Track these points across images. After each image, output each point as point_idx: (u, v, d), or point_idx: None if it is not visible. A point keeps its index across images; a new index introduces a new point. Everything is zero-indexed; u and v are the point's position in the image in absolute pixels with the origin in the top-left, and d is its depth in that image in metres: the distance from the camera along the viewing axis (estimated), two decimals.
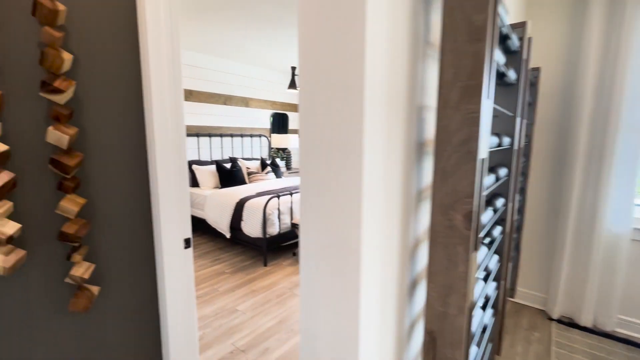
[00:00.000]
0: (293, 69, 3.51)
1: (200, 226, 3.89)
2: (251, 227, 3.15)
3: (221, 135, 4.75)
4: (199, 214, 3.89)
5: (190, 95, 4.36)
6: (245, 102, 5.11)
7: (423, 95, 0.85)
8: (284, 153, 5.66)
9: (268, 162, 5.00)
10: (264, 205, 3.07)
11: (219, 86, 4.71)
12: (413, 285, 0.93)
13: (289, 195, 3.39)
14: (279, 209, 3.19)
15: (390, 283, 0.80)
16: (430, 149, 0.92)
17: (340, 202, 0.68)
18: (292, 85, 3.53)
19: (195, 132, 4.47)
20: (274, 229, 3.14)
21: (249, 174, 4.35)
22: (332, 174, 0.69)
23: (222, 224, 3.42)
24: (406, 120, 0.77)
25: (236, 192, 3.51)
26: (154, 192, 1.25)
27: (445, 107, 0.73)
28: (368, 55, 0.60)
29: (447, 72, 0.72)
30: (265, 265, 3.14)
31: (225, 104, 4.82)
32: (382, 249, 0.74)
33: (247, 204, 3.25)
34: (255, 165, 4.73)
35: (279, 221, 3.21)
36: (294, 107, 6.02)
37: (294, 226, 3.32)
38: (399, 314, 0.87)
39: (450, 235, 0.75)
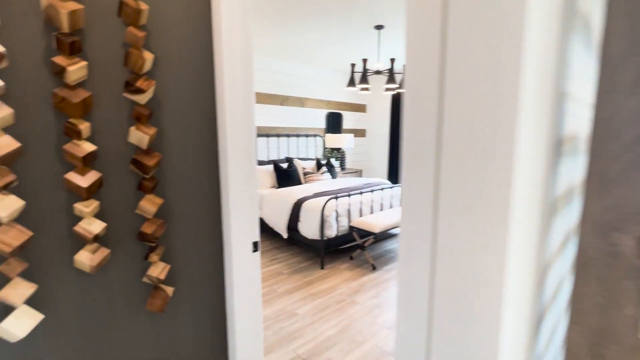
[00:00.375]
0: (352, 65, 3.38)
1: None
2: (308, 228, 3.10)
3: (277, 136, 4.80)
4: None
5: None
6: (301, 102, 5.12)
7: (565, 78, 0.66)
8: (338, 153, 5.57)
9: (323, 162, 4.95)
10: (322, 207, 3.00)
11: (276, 87, 4.77)
12: (538, 322, 0.74)
13: (347, 197, 3.28)
14: (336, 211, 3.09)
15: (522, 314, 0.63)
16: (567, 148, 0.72)
17: (477, 218, 0.53)
18: (351, 83, 3.40)
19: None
20: (331, 232, 3.05)
21: (305, 174, 4.33)
22: (465, 181, 0.54)
23: (279, 224, 3.43)
24: (550, 111, 0.60)
25: (293, 192, 3.50)
26: (224, 193, 1.22)
27: (610, 91, 0.54)
28: (526, 21, 0.44)
29: (616, 43, 0.53)
30: (322, 268, 3.06)
31: (282, 104, 4.87)
32: (520, 271, 0.58)
33: (305, 205, 3.20)
34: (310, 165, 4.71)
35: (337, 223, 3.11)
36: (348, 106, 5.90)
37: (352, 229, 3.20)
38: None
39: (612, 265, 0.56)
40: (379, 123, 6.11)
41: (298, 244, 3.40)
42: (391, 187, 3.65)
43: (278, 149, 4.86)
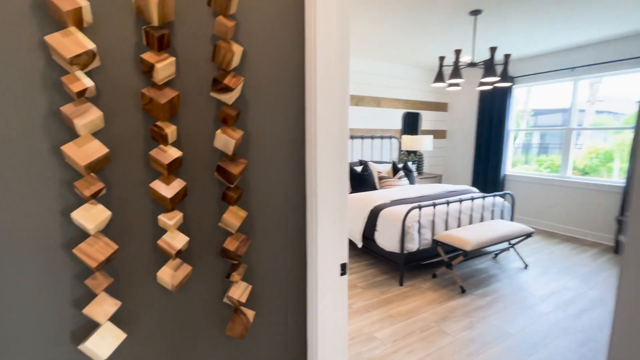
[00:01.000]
0: (441, 59, 2.99)
1: None
2: (386, 239, 2.82)
3: (352, 138, 4.61)
4: None
5: None
6: (376, 102, 4.85)
7: None
8: (415, 156, 5.14)
9: (399, 165, 4.60)
10: (403, 217, 2.70)
11: (351, 87, 4.59)
12: None
13: (432, 207, 2.91)
14: (419, 222, 2.76)
15: None
16: None
17: None
18: (439, 78, 3.02)
19: None
20: (413, 245, 2.73)
21: (380, 178, 4.05)
22: None
23: (354, 232, 3.22)
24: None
25: (369, 198, 3.26)
26: (310, 208, 1.05)
27: None
28: None
29: None
30: (401, 284, 2.76)
31: (357, 105, 4.67)
32: None
33: (383, 213, 2.93)
34: (386, 169, 4.41)
35: (419, 236, 2.78)
36: (427, 105, 5.42)
37: (436, 243, 2.82)
38: None
39: None
40: (462, 123, 5.49)
41: (372, 254, 3.15)
42: (483, 197, 3.15)
43: (352, 152, 4.67)
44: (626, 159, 3.76)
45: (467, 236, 2.62)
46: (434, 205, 2.81)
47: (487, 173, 5.01)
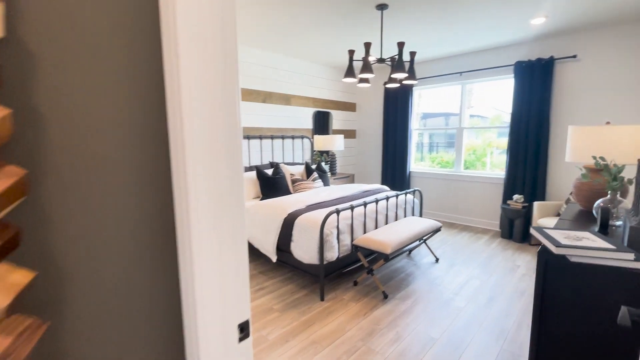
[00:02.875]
0: (351, 52, 2.83)
1: None
2: (304, 250, 2.50)
3: (260, 137, 4.18)
4: None
5: None
6: (286, 99, 4.53)
7: None
8: (328, 156, 5.01)
9: (313, 166, 4.38)
10: (321, 224, 2.42)
11: (258, 82, 4.15)
12: None
13: (350, 210, 2.72)
14: (338, 228, 2.52)
15: None
16: None
17: None
18: (350, 73, 2.85)
19: None
20: (332, 254, 2.47)
21: (294, 181, 3.74)
22: None
23: (266, 245, 2.81)
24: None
25: (282, 205, 2.89)
26: (183, 247, 0.62)
27: None
28: None
29: None
30: (322, 299, 2.47)
31: (264, 101, 4.26)
32: None
33: (299, 221, 2.61)
34: (299, 170, 4.12)
35: (338, 243, 2.54)
36: (337, 105, 5.36)
37: (356, 248, 2.64)
38: None
39: None
40: (370, 123, 5.62)
41: (289, 267, 2.80)
42: (396, 196, 3.12)
43: (261, 153, 4.23)
44: (495, 154, 4.31)
45: (386, 239, 2.49)
46: (352, 208, 2.61)
47: (395, 171, 5.21)
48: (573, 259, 1.36)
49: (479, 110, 4.56)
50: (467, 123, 4.60)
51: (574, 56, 3.53)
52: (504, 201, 4.09)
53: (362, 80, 3.10)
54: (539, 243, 3.72)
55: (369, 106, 5.59)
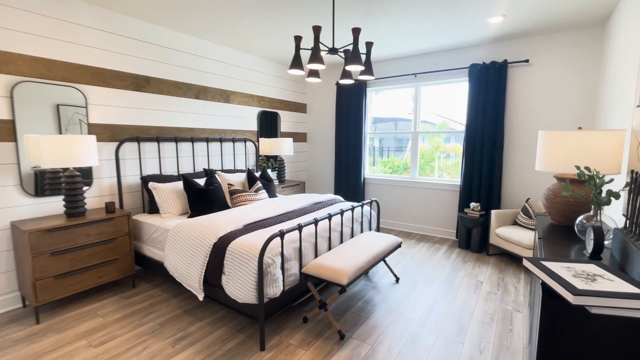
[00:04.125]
0: (297, 39, 2.35)
1: (161, 271, 2.62)
2: (238, 286, 1.94)
3: (192, 140, 3.50)
4: (158, 255, 2.62)
5: (147, 84, 3.10)
6: (225, 96, 3.90)
7: None
8: (275, 162, 4.46)
9: (257, 174, 3.80)
10: (259, 252, 1.88)
11: (189, 74, 3.48)
12: None
13: (298, 231, 2.21)
14: (282, 255, 2.00)
15: None
16: None
17: None
18: (296, 63, 2.36)
19: (155, 135, 3.21)
20: (275, 289, 1.94)
21: (232, 192, 3.13)
22: None
23: (190, 278, 2.18)
24: None
25: (212, 225, 2.29)
26: None
27: None
28: None
29: None
30: (262, 348, 1.92)
31: (197, 97, 3.59)
32: None
33: (232, 248, 2.03)
34: (239, 179, 3.51)
35: (284, 273, 2.02)
36: (285, 105, 4.85)
37: (306, 278, 2.14)
38: None
39: None
40: (322, 125, 5.19)
41: (219, 302, 2.20)
42: (352, 209, 2.69)
43: (194, 159, 3.55)
44: (440, 158, 4.15)
45: (342, 265, 2.03)
46: (300, 228, 2.11)
47: (349, 177, 4.83)
48: (594, 310, 1.02)
49: (427, 116, 4.39)
50: (420, 127, 4.39)
51: (527, 60, 3.45)
52: (461, 209, 3.92)
53: (311, 74, 2.63)
54: (497, 252, 3.58)
55: (321, 107, 5.16)
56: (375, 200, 3.09)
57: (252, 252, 1.93)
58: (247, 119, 4.22)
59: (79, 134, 2.61)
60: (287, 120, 4.91)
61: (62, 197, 2.58)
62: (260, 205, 2.90)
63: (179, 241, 2.31)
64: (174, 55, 3.32)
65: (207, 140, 3.66)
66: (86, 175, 2.74)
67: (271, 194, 3.54)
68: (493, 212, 3.45)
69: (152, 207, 2.96)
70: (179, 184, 2.99)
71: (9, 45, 2.28)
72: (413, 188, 4.41)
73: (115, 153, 2.88)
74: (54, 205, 2.58)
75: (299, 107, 5.15)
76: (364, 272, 2.19)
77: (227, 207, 3.03)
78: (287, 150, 4.27)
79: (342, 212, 2.57)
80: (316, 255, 2.32)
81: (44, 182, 2.50)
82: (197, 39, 3.53)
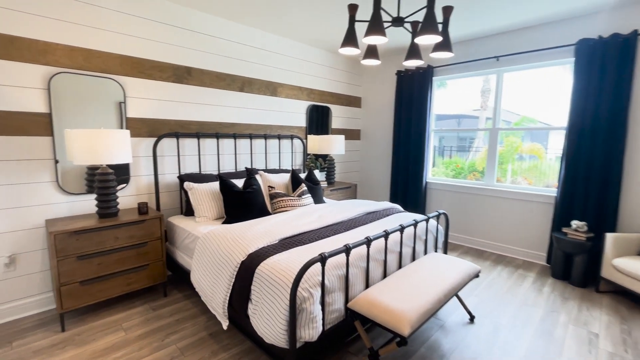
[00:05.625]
0: (352, 8, 1.85)
1: (189, 282, 2.34)
2: (266, 321, 1.52)
3: (235, 136, 3.22)
4: (189, 264, 2.35)
5: (188, 75, 2.87)
6: (272, 88, 3.56)
7: None
8: (324, 162, 4.03)
9: (302, 175, 3.39)
10: (292, 283, 1.43)
11: (233, 64, 3.19)
12: None
13: (345, 254, 1.72)
14: (323, 285, 1.53)
15: None
16: None
17: None
18: (349, 40, 1.86)
19: (195, 131, 2.98)
20: (312, 331, 1.48)
21: (273, 196, 2.76)
22: None
23: (213, 301, 1.83)
24: None
25: (243, 238, 1.91)
26: None
27: None
28: None
29: None
30: None
31: (242, 90, 3.30)
32: None
33: (261, 270, 1.62)
34: (282, 181, 3.13)
35: (324, 309, 1.55)
36: (338, 99, 4.38)
37: (353, 315, 1.64)
38: None
39: None
40: (379, 121, 4.62)
41: (245, 334, 1.81)
42: (414, 224, 2.12)
43: (235, 157, 3.27)
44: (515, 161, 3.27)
45: (402, 305, 1.50)
46: (348, 250, 1.62)
47: (408, 180, 4.20)
48: None
49: (506, 110, 3.56)
50: (499, 123, 3.58)
51: None
52: (557, 227, 3.06)
53: (368, 54, 2.11)
54: (613, 290, 2.68)
55: (377, 101, 4.59)
56: (444, 213, 2.46)
57: (284, 279, 1.50)
58: (294, 113, 3.85)
59: (115, 129, 2.44)
60: (339, 116, 4.44)
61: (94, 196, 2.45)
62: (303, 214, 2.47)
63: (205, 254, 1.98)
64: (218, 44, 3.05)
65: (251, 136, 3.35)
66: (124, 172, 2.59)
67: (317, 198, 3.09)
68: (608, 235, 2.57)
69: (188, 209, 2.72)
70: (217, 185, 2.71)
71: (48, 35, 2.16)
72: (489, 196, 3.62)
73: (153, 149, 2.69)
74: (91, 203, 2.45)
75: (353, 101, 4.64)
76: (432, 315, 1.63)
77: (267, 213, 2.66)
78: (338, 148, 3.80)
79: (402, 229, 2.02)
80: (367, 285, 1.81)
81: (84, 179, 2.38)
82: (243, 26, 3.23)
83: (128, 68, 2.53)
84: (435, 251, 2.54)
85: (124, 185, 2.60)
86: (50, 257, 2.06)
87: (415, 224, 2.13)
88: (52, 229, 1.98)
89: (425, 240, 2.36)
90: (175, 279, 2.82)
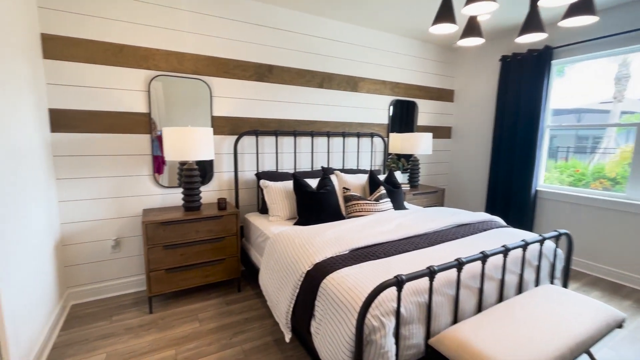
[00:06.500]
0: None
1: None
2: (328, 345, 1.33)
3: (312, 134, 3.12)
4: (259, 261, 2.33)
5: (269, 73, 2.88)
6: (352, 84, 3.35)
7: None
8: (407, 162, 3.65)
9: (381, 177, 3.11)
10: (361, 305, 1.20)
11: (313, 60, 3.09)
12: None
13: (426, 279, 1.40)
14: (397, 313, 1.25)
15: None
16: None
17: None
18: (444, 14, 1.52)
19: (274, 129, 2.97)
20: None
21: (347, 199, 2.55)
22: None
23: (277, 308, 1.72)
24: None
25: (311, 244, 1.76)
26: None
27: None
28: None
29: None
30: None
31: (321, 86, 3.18)
32: None
33: (326, 285, 1.44)
34: (359, 182, 2.90)
35: (397, 344, 1.27)
36: (426, 92, 3.92)
37: (434, 354, 1.32)
38: None
39: None
40: (475, 117, 3.99)
41: (308, 351, 1.65)
42: (523, 245, 1.65)
43: (312, 155, 3.17)
44: None
45: (506, 356, 1.12)
46: (432, 275, 1.30)
47: (511, 187, 3.50)
48: None
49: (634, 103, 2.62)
50: (621, 118, 2.65)
51: None
52: None
53: (468, 32, 1.72)
54: None
55: (475, 93, 3.96)
56: (567, 234, 1.88)
57: (351, 301, 1.28)
58: (376, 109, 3.57)
59: (201, 127, 2.57)
60: (426, 112, 3.98)
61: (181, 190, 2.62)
62: (379, 221, 2.20)
63: (272, 256, 1.90)
64: (299, 40, 2.99)
65: (329, 134, 3.21)
66: (208, 168, 2.72)
67: (397, 204, 2.77)
68: None
69: (264, 207, 2.72)
70: (291, 184, 2.64)
71: (148, 41, 2.38)
72: (631, 213, 2.74)
73: (234, 147, 2.77)
74: (180, 196, 2.64)
75: (444, 95, 4.11)
76: None
77: (340, 217, 2.47)
78: (425, 148, 3.38)
79: (506, 251, 1.58)
80: (456, 319, 1.45)
81: (176, 174, 2.58)
82: (324, 19, 3.09)
83: (214, 69, 2.64)
84: (551, 282, 1.97)
85: (209, 181, 2.73)
86: (143, 244, 2.26)
87: (525, 246, 1.66)
88: (144, 219, 2.16)
89: (538, 267, 1.84)
90: (248, 275, 2.86)
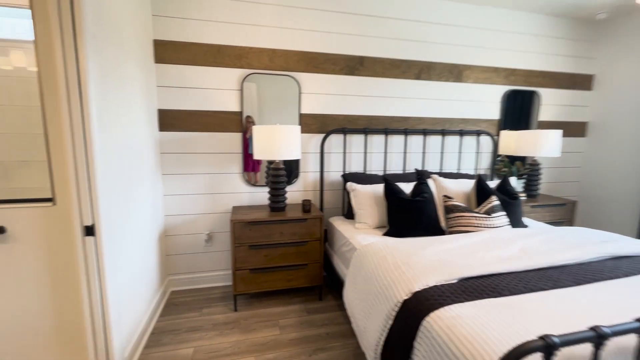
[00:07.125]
0: None
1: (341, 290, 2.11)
2: None
3: (405, 132, 2.77)
4: (342, 271, 2.12)
5: (360, 65, 2.64)
6: (455, 73, 2.87)
7: None
8: (524, 167, 2.98)
9: (492, 184, 2.57)
10: None
11: (410, 48, 2.73)
12: None
13: (590, 346, 0.97)
14: None
15: None
16: None
17: None
18: None
19: (363, 126, 2.73)
20: None
21: (449, 209, 2.14)
22: None
23: (364, 336, 1.48)
24: None
25: (408, 265, 1.46)
26: None
27: None
28: None
29: None
30: None
31: (418, 77, 2.79)
32: None
33: (432, 326, 1.13)
34: (463, 189, 2.44)
35: None
36: (551, 79, 3.15)
37: None
38: None
39: None
40: (623, 108, 3.04)
41: None
42: None
43: (405, 156, 2.82)
44: None
45: None
46: (598, 343, 0.88)
47: None
48: None
49: None
50: None
51: None
52: None
53: None
54: None
55: (626, 78, 3.01)
56: None
57: (469, 353, 0.95)
58: (484, 102, 3.00)
59: (289, 125, 2.49)
60: (551, 103, 3.20)
61: (267, 189, 2.58)
62: (493, 241, 1.75)
63: (360, 273, 1.66)
64: (393, 26, 2.66)
65: (425, 132, 2.81)
66: (295, 167, 2.64)
67: (514, 218, 2.23)
68: None
69: (349, 211, 2.51)
70: (381, 188, 2.36)
71: (242, 40, 2.38)
72: None
73: (320, 146, 2.62)
74: (267, 195, 2.62)
75: (578, 82, 3.25)
76: None
77: (439, 231, 2.09)
78: (550, 149, 2.70)
79: None
80: None
81: (264, 172, 2.57)
82: (428, 0, 2.69)
83: (304, 64, 2.52)
84: None
85: (295, 180, 2.65)
86: (230, 242, 2.29)
87: None
88: (233, 217, 2.17)
89: None
90: (331, 282, 2.70)
